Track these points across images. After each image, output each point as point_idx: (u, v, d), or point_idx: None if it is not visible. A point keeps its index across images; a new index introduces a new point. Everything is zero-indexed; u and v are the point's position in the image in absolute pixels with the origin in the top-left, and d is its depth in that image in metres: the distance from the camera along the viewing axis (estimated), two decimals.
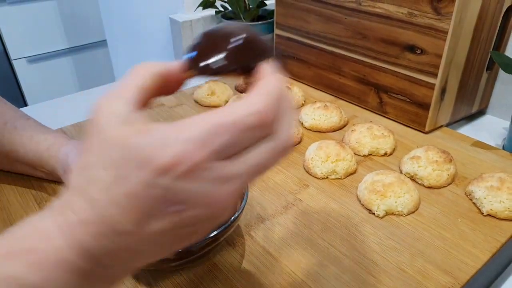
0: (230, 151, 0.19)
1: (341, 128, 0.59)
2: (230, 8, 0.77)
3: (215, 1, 0.76)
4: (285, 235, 0.42)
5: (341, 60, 0.64)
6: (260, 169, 0.21)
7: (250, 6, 0.72)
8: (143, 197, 0.19)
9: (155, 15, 0.91)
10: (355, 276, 0.38)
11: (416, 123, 0.58)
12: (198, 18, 0.79)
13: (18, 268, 0.19)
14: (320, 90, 0.70)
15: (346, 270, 0.38)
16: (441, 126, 0.59)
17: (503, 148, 0.56)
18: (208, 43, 0.24)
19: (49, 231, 0.20)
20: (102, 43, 1.65)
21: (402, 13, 0.54)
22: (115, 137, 0.19)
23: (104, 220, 0.19)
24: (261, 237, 0.43)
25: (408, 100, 0.58)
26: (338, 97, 0.67)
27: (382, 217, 0.44)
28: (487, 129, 0.63)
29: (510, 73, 0.47)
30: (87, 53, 1.72)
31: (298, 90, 0.66)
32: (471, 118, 0.65)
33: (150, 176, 0.18)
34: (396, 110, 0.60)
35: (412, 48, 0.55)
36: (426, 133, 0.58)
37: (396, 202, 0.44)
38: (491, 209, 0.44)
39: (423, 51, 0.53)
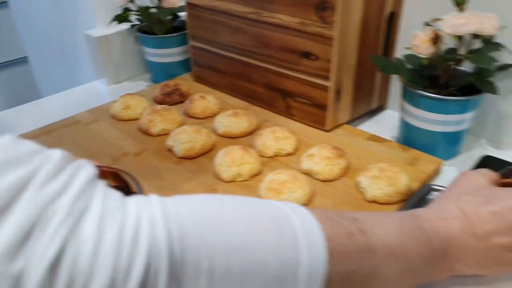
0: None
1: (252, 132, 0.63)
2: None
3: (128, 16, 0.77)
4: None
5: (250, 68, 0.68)
6: None
7: (161, 19, 0.74)
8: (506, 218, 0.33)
9: (72, 31, 0.91)
10: None
11: (318, 123, 0.63)
12: (114, 33, 0.80)
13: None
14: (236, 97, 0.73)
15: None
16: (342, 124, 0.65)
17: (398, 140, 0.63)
18: None
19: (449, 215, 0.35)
20: (22, 60, 1.58)
21: (295, 22, 0.59)
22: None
23: (469, 223, 0.33)
24: None
25: (309, 103, 0.63)
26: (252, 103, 0.71)
27: None
28: (385, 123, 0.69)
29: (390, 74, 0.53)
30: (5, 72, 1.65)
31: (212, 99, 0.69)
32: (372, 113, 0.72)
33: None
34: (301, 113, 0.65)
35: (307, 55, 0.59)
36: (328, 131, 0.63)
37: (290, 197, 0.48)
38: (373, 196, 0.49)
39: (316, 57, 0.58)
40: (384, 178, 0.49)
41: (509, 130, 0.61)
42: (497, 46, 0.53)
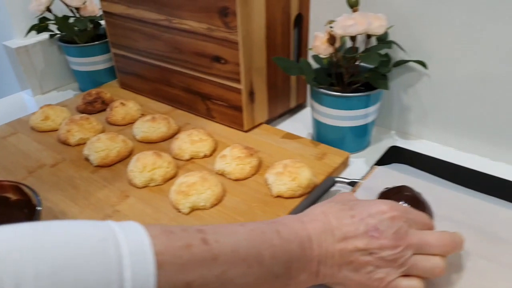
0: None
1: (171, 136, 0.64)
2: None
3: (47, 25, 0.76)
4: None
5: (168, 73, 0.70)
6: None
7: (76, 28, 0.73)
8: (363, 222, 0.35)
9: None
10: None
11: (236, 124, 0.65)
12: (34, 43, 0.79)
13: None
14: (160, 102, 0.74)
15: None
16: (260, 124, 0.67)
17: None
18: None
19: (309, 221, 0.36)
20: None
21: (203, 28, 0.60)
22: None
23: (330, 225, 0.35)
24: None
25: (226, 104, 0.65)
26: (175, 107, 0.72)
27: (188, 213, 0.50)
28: (304, 121, 0.72)
29: (292, 75, 0.55)
30: None
31: (133, 105, 0.70)
32: (293, 112, 0.75)
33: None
34: (220, 115, 0.67)
35: (217, 59, 0.61)
36: (246, 131, 0.65)
37: (198, 198, 0.50)
38: (278, 191, 0.52)
39: (226, 61, 0.60)
40: (287, 174, 0.52)
41: (412, 121, 0.66)
42: (389, 44, 0.58)
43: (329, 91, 0.58)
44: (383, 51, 0.59)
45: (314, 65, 0.62)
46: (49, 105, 0.69)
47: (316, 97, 0.60)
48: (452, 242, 0.37)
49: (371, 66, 0.60)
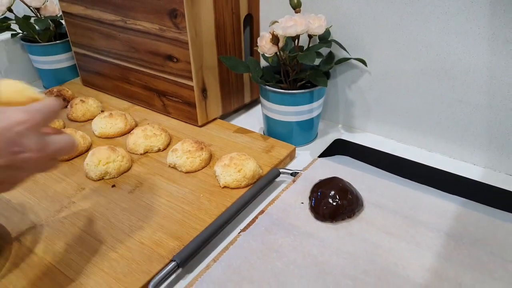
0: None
1: (129, 131, 0.67)
2: None
3: (9, 25, 0.78)
4: (51, 234, 0.49)
5: (127, 71, 0.72)
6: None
7: (38, 29, 0.76)
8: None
9: None
10: (102, 255, 0.46)
11: (191, 120, 0.69)
12: None
13: None
14: (120, 98, 0.77)
15: (97, 252, 0.46)
16: (215, 119, 0.71)
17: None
18: None
19: None
20: None
21: (155, 28, 0.63)
22: None
23: None
24: (29, 240, 0.49)
25: (180, 101, 0.68)
26: (134, 103, 0.76)
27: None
28: (258, 116, 0.76)
29: (239, 72, 0.59)
30: None
31: (93, 102, 0.73)
32: (249, 107, 0.79)
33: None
34: (176, 110, 0.70)
35: (170, 58, 0.64)
36: (201, 126, 0.69)
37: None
38: (225, 182, 0.55)
39: (177, 60, 0.64)
40: (233, 166, 0.55)
41: (356, 115, 0.71)
42: (329, 43, 0.62)
43: (275, 88, 0.61)
44: (324, 50, 0.63)
45: (264, 63, 0.66)
46: None
47: (264, 94, 0.64)
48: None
49: (314, 64, 0.64)
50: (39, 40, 0.79)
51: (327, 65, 0.63)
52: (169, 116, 0.71)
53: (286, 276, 0.42)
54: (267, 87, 0.61)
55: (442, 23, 0.55)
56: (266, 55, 0.60)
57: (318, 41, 0.63)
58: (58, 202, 0.54)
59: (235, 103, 0.73)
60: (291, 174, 0.58)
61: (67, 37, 0.81)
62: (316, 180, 0.53)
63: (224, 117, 0.73)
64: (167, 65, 0.65)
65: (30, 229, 0.50)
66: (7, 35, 0.82)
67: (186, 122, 0.69)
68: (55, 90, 0.75)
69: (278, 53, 0.60)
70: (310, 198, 0.51)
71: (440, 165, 0.61)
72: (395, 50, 0.61)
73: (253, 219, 0.49)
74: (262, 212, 0.50)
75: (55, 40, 0.81)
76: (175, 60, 0.64)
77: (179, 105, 0.68)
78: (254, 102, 0.79)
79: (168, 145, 0.64)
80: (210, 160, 0.61)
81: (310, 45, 0.61)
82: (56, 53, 0.81)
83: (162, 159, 0.62)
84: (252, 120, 0.74)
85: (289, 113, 0.63)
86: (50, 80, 0.85)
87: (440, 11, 0.55)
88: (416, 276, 0.41)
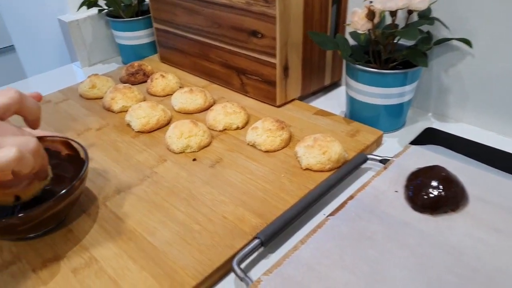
0: None
1: (207, 108, 0.66)
2: None
3: (97, 1, 0.80)
4: (134, 202, 0.49)
5: (207, 48, 0.72)
6: None
7: (122, 4, 0.77)
8: None
9: (48, 17, 0.95)
10: (184, 226, 0.45)
11: (269, 99, 0.66)
12: (84, 18, 0.84)
13: None
14: (197, 76, 0.77)
15: (179, 222, 0.46)
16: (293, 100, 0.68)
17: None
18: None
19: None
20: (10, 49, 1.63)
21: (242, 2, 0.61)
22: None
23: None
24: (114, 205, 0.49)
25: (260, 79, 0.66)
26: (211, 81, 0.75)
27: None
28: (338, 99, 0.72)
29: (327, 49, 0.55)
30: None
31: (172, 77, 0.73)
32: (328, 89, 0.75)
33: None
34: (254, 89, 0.68)
35: (254, 33, 0.62)
36: (279, 107, 0.66)
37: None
38: (307, 164, 0.52)
39: (262, 35, 0.61)
40: (317, 147, 0.52)
41: (451, 103, 0.64)
42: (430, 21, 0.56)
43: (364, 67, 0.57)
44: (424, 28, 0.57)
45: (352, 42, 0.62)
46: (96, 74, 0.74)
47: (352, 74, 0.60)
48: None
49: (410, 44, 0.58)
50: (123, 16, 0.81)
51: (425, 45, 0.57)
52: (246, 96, 0.70)
53: (383, 265, 0.38)
54: (357, 65, 0.57)
55: None
56: (359, 31, 0.56)
57: (416, 19, 0.58)
58: (141, 171, 0.54)
59: (315, 84, 0.70)
60: (380, 161, 0.53)
61: (149, 14, 0.83)
62: (412, 169, 0.49)
63: (301, 98, 0.70)
64: (250, 41, 0.64)
65: (114, 194, 0.51)
66: (93, 11, 0.86)
67: (263, 102, 0.67)
68: (136, 64, 0.77)
69: (371, 30, 0.55)
70: (407, 186, 0.46)
71: None
72: (507, 30, 0.54)
73: (341, 204, 0.46)
74: (351, 197, 0.47)
75: (137, 16, 0.82)
76: (259, 35, 0.62)
77: (258, 83, 0.66)
78: (333, 85, 0.75)
79: (246, 123, 0.62)
80: (290, 140, 0.58)
81: (408, 22, 0.56)
82: (137, 29, 0.83)
83: (240, 136, 0.60)
84: (331, 103, 0.70)
85: (377, 96, 0.58)
86: (129, 56, 0.87)
87: None
88: None
